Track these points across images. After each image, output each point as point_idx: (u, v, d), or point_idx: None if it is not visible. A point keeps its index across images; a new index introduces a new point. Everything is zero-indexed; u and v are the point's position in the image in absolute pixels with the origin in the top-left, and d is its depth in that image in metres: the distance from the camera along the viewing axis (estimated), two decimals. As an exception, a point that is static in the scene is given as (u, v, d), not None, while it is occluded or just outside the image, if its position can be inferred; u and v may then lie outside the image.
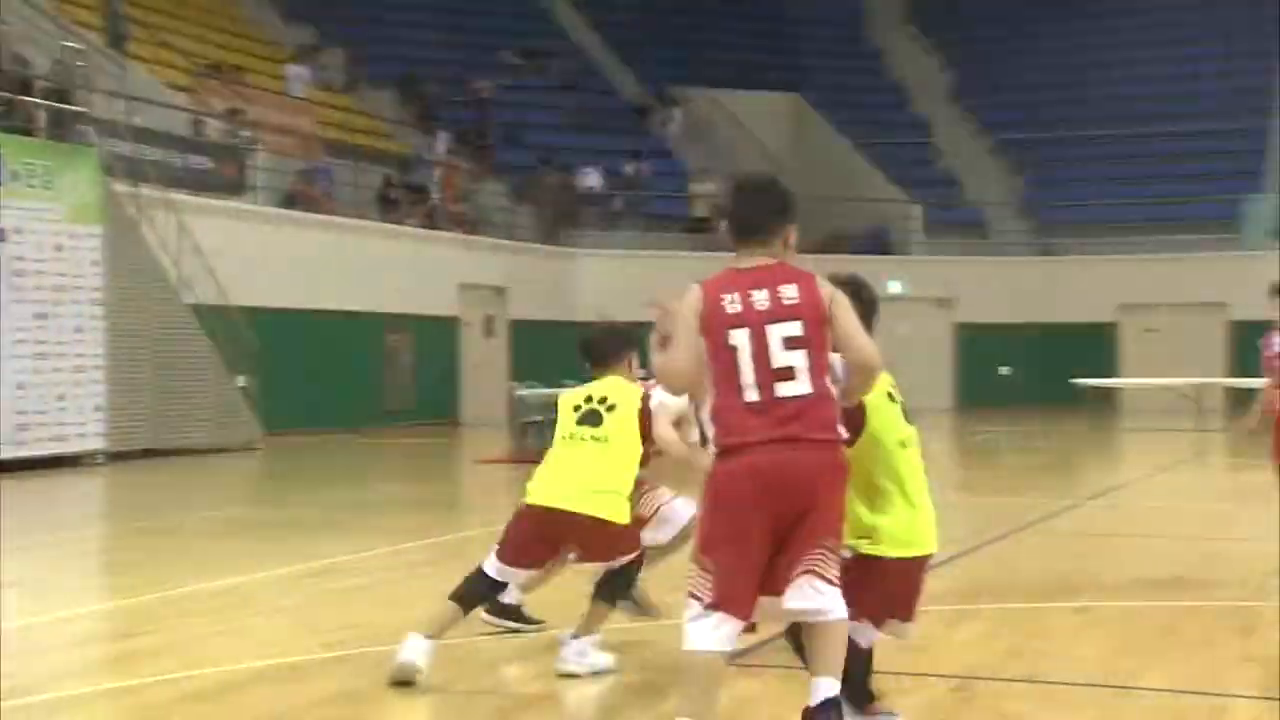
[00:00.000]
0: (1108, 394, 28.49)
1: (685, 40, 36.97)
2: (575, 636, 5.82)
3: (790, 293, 4.31)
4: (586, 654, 5.79)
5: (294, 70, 27.39)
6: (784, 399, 4.25)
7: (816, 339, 4.30)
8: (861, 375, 4.40)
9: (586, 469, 5.71)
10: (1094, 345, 30.38)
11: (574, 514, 5.66)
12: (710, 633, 4.27)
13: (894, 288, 31.16)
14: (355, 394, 23.28)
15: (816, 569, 4.30)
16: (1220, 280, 28.54)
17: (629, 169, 31.20)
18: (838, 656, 4.36)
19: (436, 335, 25.31)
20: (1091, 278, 30.80)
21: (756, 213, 4.45)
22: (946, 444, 21.33)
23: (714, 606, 4.26)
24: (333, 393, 22.61)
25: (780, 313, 4.29)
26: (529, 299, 27.35)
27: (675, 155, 33.43)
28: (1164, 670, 5.91)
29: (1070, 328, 30.41)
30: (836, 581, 4.33)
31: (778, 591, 4.32)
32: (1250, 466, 8.56)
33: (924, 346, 31.01)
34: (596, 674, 5.75)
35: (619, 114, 34.30)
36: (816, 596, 4.30)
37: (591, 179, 30.41)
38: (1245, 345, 9.16)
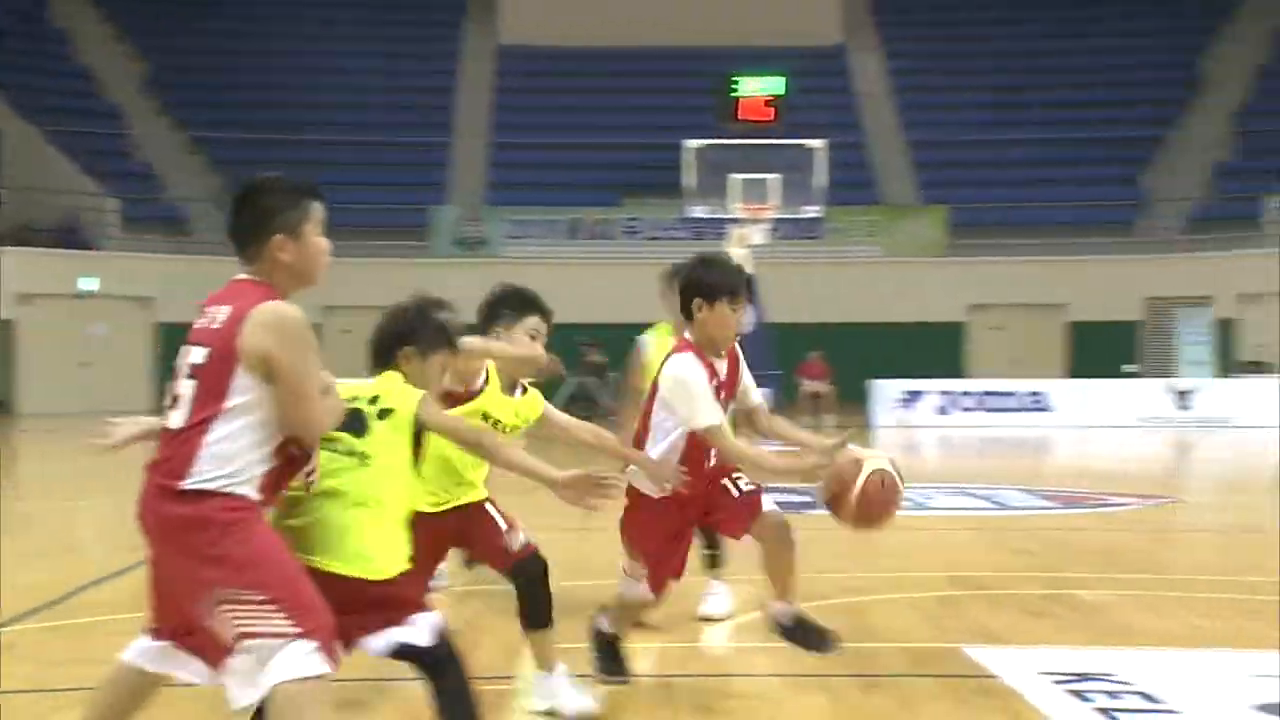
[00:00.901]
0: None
1: None
2: None
3: (220, 315, 3.78)
4: None
5: None
6: (166, 430, 3.80)
7: (212, 369, 3.74)
8: (303, 433, 3.87)
9: None
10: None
11: None
12: None
13: (87, 285, 29.60)
14: None
15: (241, 628, 3.65)
16: (418, 286, 29.91)
17: None
18: None
19: None
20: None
21: (233, 224, 3.94)
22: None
23: None
24: None
25: (200, 336, 3.80)
26: None
27: None
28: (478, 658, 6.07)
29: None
30: (266, 634, 3.64)
31: (213, 661, 3.74)
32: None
33: (122, 346, 29.75)
34: None
35: None
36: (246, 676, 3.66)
37: None
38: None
